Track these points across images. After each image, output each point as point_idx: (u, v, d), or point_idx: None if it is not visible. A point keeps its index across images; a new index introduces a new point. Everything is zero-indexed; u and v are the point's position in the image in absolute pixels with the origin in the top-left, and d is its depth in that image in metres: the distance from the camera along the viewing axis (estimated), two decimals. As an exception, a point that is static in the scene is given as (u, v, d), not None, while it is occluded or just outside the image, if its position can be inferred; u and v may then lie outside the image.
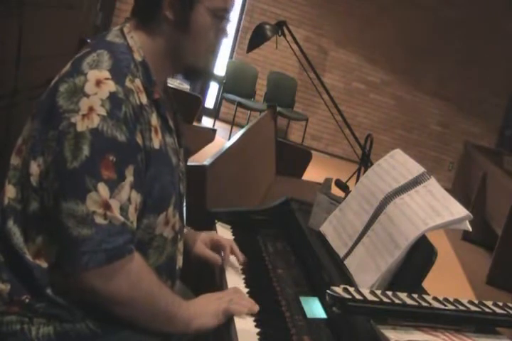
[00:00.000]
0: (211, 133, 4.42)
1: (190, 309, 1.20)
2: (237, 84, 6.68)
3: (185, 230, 1.44)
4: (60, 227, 1.06)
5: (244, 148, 2.73)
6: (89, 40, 2.71)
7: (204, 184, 1.85)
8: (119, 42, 1.19)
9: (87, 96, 1.08)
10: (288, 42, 3.28)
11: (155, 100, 1.20)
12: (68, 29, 2.30)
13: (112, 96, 1.08)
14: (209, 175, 1.88)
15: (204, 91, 6.99)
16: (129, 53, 1.18)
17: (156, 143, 1.18)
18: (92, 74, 1.10)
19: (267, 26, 3.16)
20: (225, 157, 2.22)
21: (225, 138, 5.73)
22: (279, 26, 3.20)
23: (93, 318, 1.14)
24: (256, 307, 1.25)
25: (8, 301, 1.12)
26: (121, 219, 1.08)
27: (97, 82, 1.09)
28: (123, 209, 1.09)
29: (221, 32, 1.28)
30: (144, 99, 1.17)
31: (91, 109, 1.07)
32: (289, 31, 3.22)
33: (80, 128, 1.06)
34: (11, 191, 1.16)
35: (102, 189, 1.06)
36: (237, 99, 6.44)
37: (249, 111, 6.77)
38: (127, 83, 1.12)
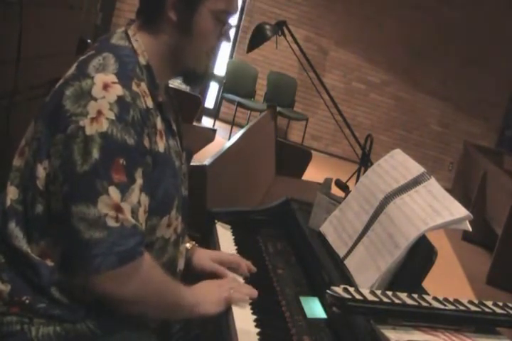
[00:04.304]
0: (211, 133, 4.42)
1: (194, 296, 1.23)
2: (237, 84, 6.68)
3: (189, 245, 1.45)
4: (71, 231, 1.06)
5: (244, 148, 2.73)
6: (89, 41, 2.71)
7: (204, 184, 1.85)
8: (124, 45, 1.19)
9: (95, 99, 1.08)
10: (288, 42, 3.28)
11: (159, 103, 1.21)
12: (68, 29, 2.30)
13: (120, 100, 1.09)
14: (209, 175, 1.88)
15: (204, 91, 6.99)
16: (134, 56, 1.18)
17: (161, 147, 1.19)
18: (99, 78, 1.10)
19: (267, 26, 3.16)
20: (225, 157, 2.22)
21: (225, 138, 5.73)
22: (279, 26, 3.20)
23: (94, 318, 1.14)
24: (255, 292, 1.29)
25: (9, 302, 1.12)
26: (133, 221, 1.09)
27: (105, 85, 1.09)
28: (133, 212, 1.09)
29: (223, 36, 1.27)
30: (150, 103, 1.17)
31: (99, 113, 1.07)
32: (289, 31, 3.22)
33: (89, 131, 1.06)
34: (13, 192, 1.16)
35: (113, 192, 1.06)
36: (237, 99, 6.44)
37: (249, 111, 6.77)
38: (133, 87, 1.13)
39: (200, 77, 1.30)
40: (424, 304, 1.09)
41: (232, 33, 1.32)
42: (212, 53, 1.28)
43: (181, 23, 1.20)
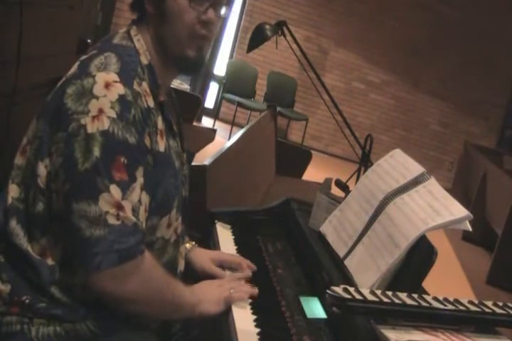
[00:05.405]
0: (211, 133, 4.42)
1: (195, 296, 1.23)
2: (237, 84, 6.68)
3: (188, 245, 1.45)
4: (72, 228, 1.06)
5: (244, 148, 2.73)
6: (89, 41, 2.71)
7: (204, 184, 1.85)
8: (126, 45, 1.20)
9: (97, 98, 1.08)
10: (288, 42, 3.28)
11: (160, 103, 1.20)
12: (68, 29, 2.30)
13: (121, 98, 1.09)
14: (209, 175, 1.88)
15: (204, 91, 6.98)
16: (136, 56, 1.19)
17: (161, 146, 1.19)
18: (101, 77, 1.10)
19: (267, 26, 3.15)
20: (225, 157, 2.22)
21: (225, 138, 5.73)
22: (279, 26, 3.20)
23: (94, 318, 1.14)
24: (255, 291, 1.29)
25: (8, 302, 1.12)
26: (133, 219, 1.09)
27: (106, 84, 1.09)
28: (134, 210, 1.09)
29: (204, 14, 1.19)
30: (151, 102, 1.17)
31: (101, 111, 1.07)
32: (289, 31, 3.22)
33: (90, 129, 1.06)
34: (14, 190, 1.16)
35: (114, 190, 1.06)
36: (237, 99, 6.44)
37: (249, 111, 6.77)
38: (135, 86, 1.13)
39: (193, 62, 1.24)
40: (424, 304, 1.09)
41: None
42: (198, 35, 1.21)
43: (158, 12, 1.20)
